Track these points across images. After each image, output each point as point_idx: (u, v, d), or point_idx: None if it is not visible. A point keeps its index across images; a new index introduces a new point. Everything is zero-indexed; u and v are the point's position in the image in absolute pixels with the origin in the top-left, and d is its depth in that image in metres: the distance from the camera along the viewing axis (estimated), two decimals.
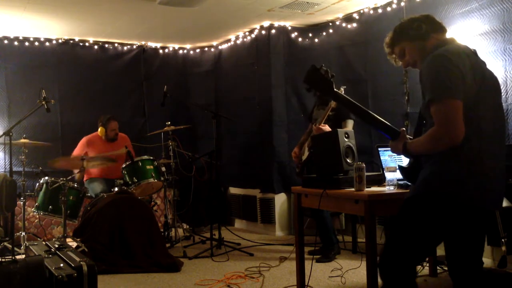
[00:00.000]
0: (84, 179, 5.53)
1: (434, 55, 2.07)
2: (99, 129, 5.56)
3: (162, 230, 5.33)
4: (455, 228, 2.05)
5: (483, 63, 2.17)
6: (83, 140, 5.58)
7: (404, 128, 2.26)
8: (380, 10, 5.16)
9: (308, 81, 2.15)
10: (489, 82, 2.11)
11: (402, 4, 4.89)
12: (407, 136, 2.24)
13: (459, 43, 2.18)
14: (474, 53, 2.16)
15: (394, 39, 2.30)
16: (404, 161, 3.19)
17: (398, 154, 2.24)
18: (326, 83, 2.16)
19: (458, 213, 1.99)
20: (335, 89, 2.19)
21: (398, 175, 2.93)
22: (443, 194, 1.98)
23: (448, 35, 2.28)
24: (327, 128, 4.14)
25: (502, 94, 3.98)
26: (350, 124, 4.46)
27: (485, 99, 2.04)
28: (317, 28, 5.94)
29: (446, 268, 3.78)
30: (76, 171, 5.31)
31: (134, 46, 6.80)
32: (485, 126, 2.02)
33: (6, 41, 6.07)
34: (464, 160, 1.97)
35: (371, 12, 5.26)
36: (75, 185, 4.87)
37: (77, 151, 5.48)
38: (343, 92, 4.28)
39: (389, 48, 2.34)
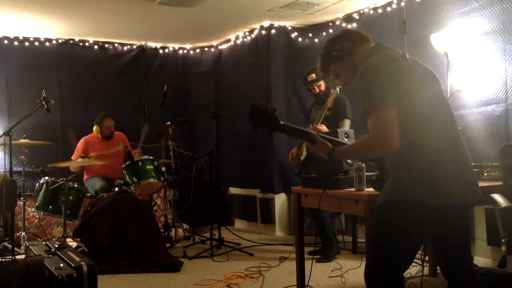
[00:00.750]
0: (84, 178, 5.53)
1: (362, 68, 2.07)
2: (94, 128, 5.56)
3: (162, 230, 5.33)
4: (429, 230, 2.06)
5: (415, 62, 2.18)
6: (81, 141, 5.59)
7: (313, 131, 2.29)
8: (380, 10, 5.16)
9: (253, 121, 2.16)
10: (425, 79, 2.11)
11: (402, 4, 4.89)
12: (331, 138, 2.28)
13: (386, 49, 2.17)
14: (403, 55, 2.16)
15: (323, 64, 2.32)
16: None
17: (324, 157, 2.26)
18: (271, 118, 2.17)
19: (428, 216, 1.99)
20: (281, 122, 2.20)
21: None
22: (409, 200, 1.98)
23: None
24: (324, 128, 4.14)
25: (502, 94, 3.99)
26: (347, 124, 4.47)
27: (425, 96, 2.04)
28: (317, 28, 5.94)
29: None
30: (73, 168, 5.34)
31: (134, 46, 6.81)
32: (434, 124, 2.02)
33: (6, 41, 6.08)
34: (422, 162, 1.97)
35: (371, 12, 5.26)
36: (75, 185, 4.87)
37: (76, 154, 5.48)
38: (338, 91, 4.28)
39: (323, 73, 2.36)
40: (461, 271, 2.18)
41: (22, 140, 5.03)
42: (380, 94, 1.97)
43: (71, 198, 4.79)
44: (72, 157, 5.45)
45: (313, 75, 4.64)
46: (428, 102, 2.04)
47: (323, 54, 2.32)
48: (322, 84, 4.64)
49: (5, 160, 5.74)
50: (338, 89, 4.29)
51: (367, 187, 2.79)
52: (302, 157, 4.67)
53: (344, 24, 5.57)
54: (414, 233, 2.03)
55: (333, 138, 2.31)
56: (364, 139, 2.03)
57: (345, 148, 2.17)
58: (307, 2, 5.11)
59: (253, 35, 6.25)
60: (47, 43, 6.28)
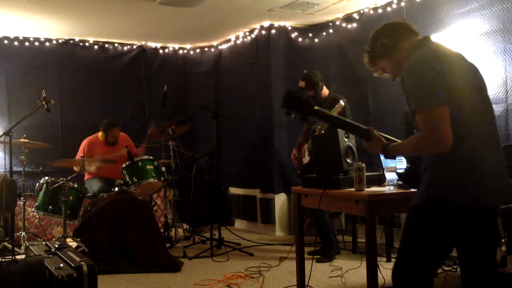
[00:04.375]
0: (85, 178, 5.53)
1: (410, 63, 2.04)
2: (99, 133, 5.55)
3: (162, 230, 5.33)
4: (464, 232, 2.02)
5: (461, 57, 2.15)
6: (85, 142, 5.57)
7: (371, 127, 2.24)
8: (380, 10, 5.16)
9: (287, 105, 2.16)
10: (471, 76, 2.09)
11: (402, 4, 4.89)
12: (381, 134, 2.24)
13: (432, 44, 2.14)
14: (449, 50, 2.13)
15: (370, 60, 2.30)
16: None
17: (377, 154, 2.25)
18: (305, 104, 2.16)
19: (464, 217, 1.97)
20: (315, 107, 2.18)
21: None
22: (446, 200, 1.96)
23: (422, 34, 2.23)
24: None
25: (502, 94, 3.99)
26: None
27: (470, 95, 2.01)
28: (317, 28, 5.94)
29: (446, 268, 3.78)
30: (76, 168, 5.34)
31: (134, 46, 6.81)
32: (477, 124, 1.99)
33: (6, 41, 6.08)
34: (462, 163, 1.95)
35: (371, 12, 5.26)
36: (75, 185, 4.86)
37: (79, 155, 5.46)
38: (343, 105, 4.16)
39: (372, 67, 2.33)
40: (486, 276, 2.13)
41: (22, 140, 5.03)
42: (430, 92, 1.92)
43: (71, 198, 4.79)
44: (76, 157, 5.44)
45: (303, 83, 4.53)
46: (474, 101, 2.01)
47: (368, 52, 2.28)
48: (311, 92, 4.56)
49: (5, 160, 5.74)
50: (342, 103, 4.16)
51: (367, 187, 2.79)
52: (305, 160, 4.65)
53: (344, 24, 5.57)
54: (449, 234, 2.01)
55: (384, 135, 2.27)
56: (418, 137, 1.98)
57: (399, 144, 2.13)
58: (307, 2, 5.11)
59: (253, 35, 6.25)
60: (47, 43, 6.28)
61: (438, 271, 3.85)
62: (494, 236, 2.19)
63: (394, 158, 2.24)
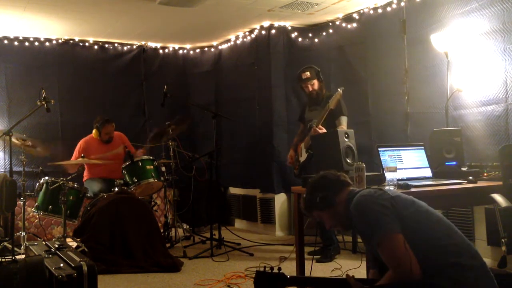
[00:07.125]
0: (84, 179, 5.53)
1: (354, 205, 2.10)
2: (93, 131, 5.55)
3: (162, 230, 5.33)
4: None
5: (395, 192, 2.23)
6: (80, 142, 5.56)
7: (350, 275, 2.20)
8: (380, 10, 5.16)
9: (261, 286, 2.16)
10: (413, 200, 2.14)
11: (402, 4, 4.89)
12: (358, 278, 2.21)
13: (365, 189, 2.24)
14: (379, 189, 2.19)
15: (307, 209, 2.33)
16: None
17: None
18: (278, 277, 2.16)
19: None
20: (287, 275, 2.17)
21: (398, 175, 2.94)
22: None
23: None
24: (324, 131, 4.11)
25: (502, 94, 3.98)
26: (344, 121, 4.42)
27: (428, 213, 2.09)
28: (317, 28, 5.94)
29: None
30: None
31: (134, 46, 6.81)
32: (434, 234, 2.02)
33: (6, 41, 6.08)
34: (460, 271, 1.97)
35: (371, 12, 5.26)
36: (75, 185, 4.86)
37: (75, 155, 5.46)
38: (341, 93, 4.19)
39: (307, 215, 2.37)
40: None
41: (22, 141, 5.02)
42: (381, 223, 1.99)
43: (71, 198, 4.79)
44: (72, 159, 5.44)
45: (308, 73, 4.58)
46: (427, 214, 2.08)
47: (306, 202, 2.32)
48: (315, 82, 4.59)
49: (5, 160, 5.74)
50: (341, 90, 4.22)
51: (367, 186, 2.79)
52: (302, 159, 4.66)
53: (344, 24, 5.57)
54: None
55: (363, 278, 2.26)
56: (389, 276, 1.99)
57: (376, 286, 2.10)
58: (307, 2, 5.11)
59: (253, 35, 6.25)
60: (47, 43, 6.28)
61: None
62: None
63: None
